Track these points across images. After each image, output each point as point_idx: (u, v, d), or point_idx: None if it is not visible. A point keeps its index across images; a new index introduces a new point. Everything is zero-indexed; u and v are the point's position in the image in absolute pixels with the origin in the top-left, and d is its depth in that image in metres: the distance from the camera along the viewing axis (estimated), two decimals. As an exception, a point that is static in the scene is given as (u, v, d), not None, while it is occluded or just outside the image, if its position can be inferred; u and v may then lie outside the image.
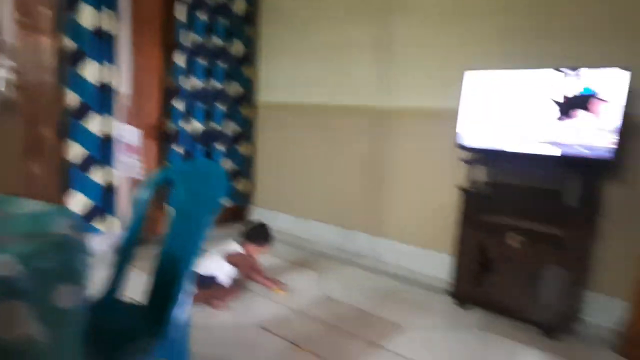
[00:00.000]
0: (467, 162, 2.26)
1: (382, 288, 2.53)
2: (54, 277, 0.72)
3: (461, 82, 2.29)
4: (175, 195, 1.36)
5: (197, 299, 2.14)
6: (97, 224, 2.72)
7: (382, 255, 3.01)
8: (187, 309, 1.19)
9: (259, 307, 2.22)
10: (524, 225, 2.09)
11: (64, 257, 0.75)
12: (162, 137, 3.05)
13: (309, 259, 2.99)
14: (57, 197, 2.56)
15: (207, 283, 2.18)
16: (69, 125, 2.56)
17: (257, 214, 3.80)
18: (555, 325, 2.01)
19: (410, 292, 2.51)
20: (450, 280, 2.40)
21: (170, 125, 3.07)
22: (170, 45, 2.98)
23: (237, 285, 2.34)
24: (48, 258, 0.71)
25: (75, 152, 2.59)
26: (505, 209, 2.19)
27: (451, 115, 2.42)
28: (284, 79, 3.49)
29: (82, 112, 2.58)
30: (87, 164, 2.64)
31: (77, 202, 2.63)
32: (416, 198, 2.84)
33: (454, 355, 1.87)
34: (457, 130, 2.33)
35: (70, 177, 2.60)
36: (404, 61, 2.79)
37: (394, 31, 2.82)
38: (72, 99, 2.54)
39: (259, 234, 2.43)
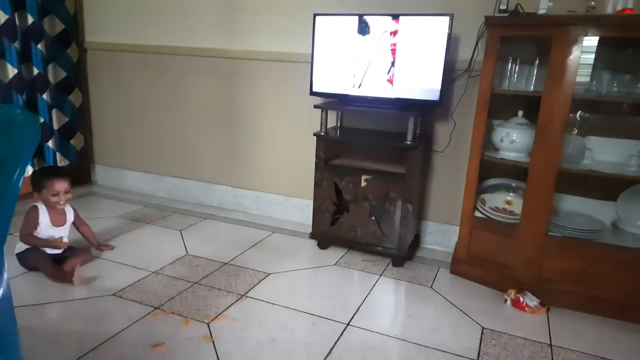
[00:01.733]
0: (319, 107, 2.32)
1: (246, 239, 2.53)
2: None
3: (312, 26, 2.28)
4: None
5: (50, 276, 1.91)
6: None
7: (246, 207, 2.99)
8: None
9: (115, 274, 2.03)
10: (370, 166, 2.27)
11: None
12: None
13: (166, 217, 2.82)
14: None
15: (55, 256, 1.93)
16: None
17: (100, 173, 3.40)
18: (401, 254, 2.28)
19: (276, 240, 2.56)
20: (310, 223, 2.51)
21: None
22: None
23: (81, 253, 2.09)
24: None
25: None
26: (353, 153, 2.36)
27: (306, 61, 2.42)
28: (115, 14, 3.03)
29: None
30: None
31: None
32: (276, 146, 2.83)
33: (315, 292, 1.99)
34: (310, 76, 2.35)
35: None
36: (254, 2, 2.65)
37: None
38: None
39: (34, 182, 2.03)
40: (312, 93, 2.37)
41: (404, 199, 2.20)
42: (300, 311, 1.80)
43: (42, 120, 2.89)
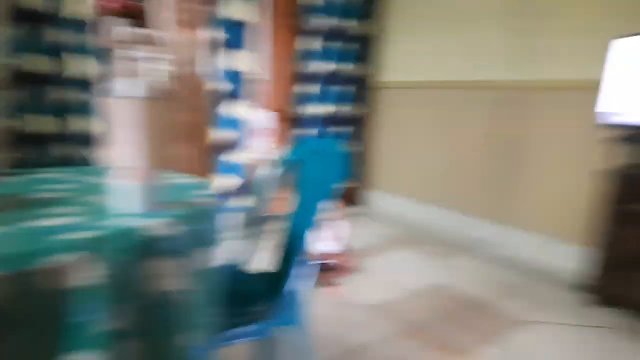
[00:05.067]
0: (611, 141, 1.98)
1: (501, 279, 2.40)
2: (196, 239, 0.88)
3: (604, 52, 2.00)
4: (300, 173, 1.47)
5: (318, 282, 2.28)
6: (235, 200, 3.07)
7: (504, 244, 2.82)
8: (305, 282, 1.30)
9: (369, 287, 2.28)
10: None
11: (203, 223, 0.91)
12: (291, 121, 3.28)
13: (425, 244, 2.96)
14: (203, 174, 2.96)
15: (323, 266, 2.32)
16: (215, 111, 2.90)
17: (374, 196, 3.85)
18: None
19: (533, 284, 2.34)
20: (581, 274, 2.16)
21: (299, 109, 3.27)
22: (301, 30, 3.15)
23: (346, 263, 2.43)
24: (193, 222, 0.86)
25: (220, 135, 2.94)
26: None
27: (591, 90, 2.15)
28: (406, 57, 3.42)
29: (226, 98, 2.90)
30: (228, 146, 2.97)
31: (219, 180, 2.99)
32: (545, 182, 2.59)
33: (577, 354, 1.70)
34: (599, 106, 2.05)
35: (214, 157, 2.96)
36: (537, 31, 2.53)
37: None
38: (218, 86, 2.87)
39: None
40: (602, 125, 2.05)
41: None
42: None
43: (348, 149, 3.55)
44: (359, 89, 3.58)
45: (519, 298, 2.18)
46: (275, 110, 3.20)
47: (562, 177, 2.51)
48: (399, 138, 3.60)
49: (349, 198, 3.74)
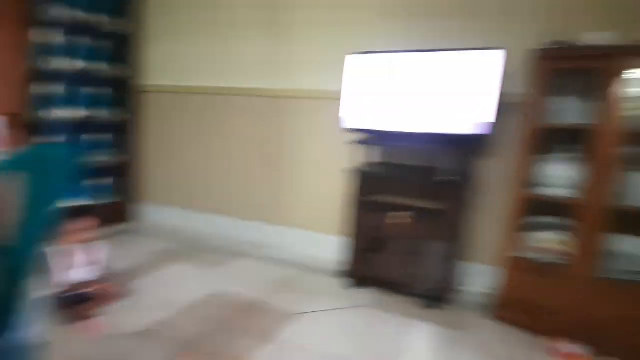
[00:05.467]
0: (353, 144, 2.29)
1: (274, 277, 2.50)
2: None
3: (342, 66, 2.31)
4: (19, 186, 1.15)
5: (68, 317, 1.91)
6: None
7: (277, 244, 2.97)
8: (37, 329, 1.02)
9: (136, 312, 2.04)
10: (408, 203, 2.18)
11: None
12: (29, 126, 2.69)
13: (199, 255, 2.85)
14: None
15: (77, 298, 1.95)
16: None
17: (143, 210, 3.54)
18: (437, 296, 2.13)
19: (304, 278, 2.51)
20: (341, 261, 2.43)
21: (40, 113, 2.71)
22: (35, 20, 2.61)
23: (107, 290, 2.12)
24: None
25: None
26: (391, 189, 2.26)
27: (336, 100, 2.45)
28: (171, 60, 3.25)
29: None
30: None
31: None
32: (308, 182, 2.83)
33: (344, 335, 1.89)
34: (341, 112, 2.35)
35: None
36: (290, 43, 2.75)
37: (280, 15, 2.76)
38: None
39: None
40: (345, 130, 2.34)
41: (443, 238, 2.08)
42: (332, 355, 1.70)
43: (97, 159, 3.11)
44: (118, 92, 3.21)
45: (290, 292, 2.29)
46: (5, 114, 2.57)
47: (320, 177, 2.78)
48: (166, 146, 3.38)
49: (113, 214, 3.30)
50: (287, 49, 2.77)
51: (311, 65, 2.70)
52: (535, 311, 1.92)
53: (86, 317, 1.93)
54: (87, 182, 3.07)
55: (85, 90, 2.97)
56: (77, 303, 2.00)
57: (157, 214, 3.47)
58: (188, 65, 3.17)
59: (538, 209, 2.00)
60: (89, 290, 2.08)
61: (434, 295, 2.14)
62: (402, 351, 1.77)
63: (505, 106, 2.10)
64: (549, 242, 1.96)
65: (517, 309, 1.97)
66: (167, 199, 3.43)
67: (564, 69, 1.81)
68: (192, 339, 1.80)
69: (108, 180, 3.25)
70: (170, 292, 2.24)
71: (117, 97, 3.21)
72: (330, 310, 2.11)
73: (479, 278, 2.34)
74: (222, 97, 3.07)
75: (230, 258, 2.79)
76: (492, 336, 1.91)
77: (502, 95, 2.02)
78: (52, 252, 2.06)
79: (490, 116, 1.95)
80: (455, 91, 2.04)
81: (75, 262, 2.08)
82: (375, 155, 2.50)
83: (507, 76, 2.06)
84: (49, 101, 2.76)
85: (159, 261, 2.68)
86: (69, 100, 2.88)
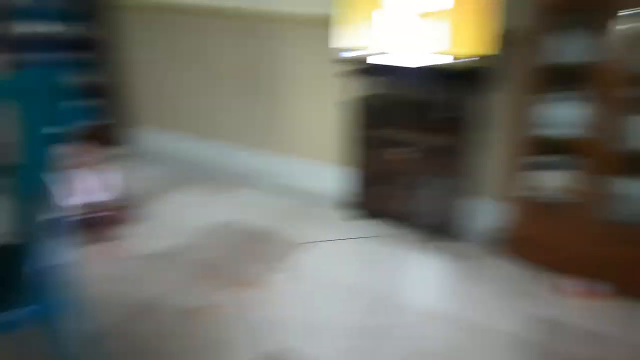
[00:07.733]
0: (346, 74, 2.20)
1: (281, 207, 2.52)
2: None
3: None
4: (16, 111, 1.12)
5: (86, 240, 1.97)
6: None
7: (279, 173, 2.93)
8: (62, 248, 1.05)
9: (153, 236, 2.10)
10: (410, 138, 2.16)
11: None
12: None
13: (205, 182, 2.83)
14: None
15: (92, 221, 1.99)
16: None
17: (141, 134, 3.44)
18: (443, 230, 2.20)
19: (310, 208, 2.54)
20: (346, 193, 2.46)
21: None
22: None
23: (122, 213, 2.17)
24: None
25: None
26: (394, 122, 2.21)
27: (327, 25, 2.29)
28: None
29: None
30: None
31: None
32: (301, 111, 2.76)
33: (354, 264, 1.99)
34: (333, 41, 2.23)
35: None
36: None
37: None
38: None
39: None
40: (339, 59, 2.23)
41: (448, 174, 2.10)
42: (340, 283, 1.80)
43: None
44: (91, 6, 2.96)
45: (298, 221, 2.35)
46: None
47: (314, 105, 2.69)
48: (155, 67, 3.20)
49: (104, 137, 3.09)
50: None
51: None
52: (543, 249, 1.97)
53: (105, 240, 2.00)
54: (75, 104, 2.97)
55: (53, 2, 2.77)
56: (94, 226, 2.05)
57: (154, 138, 3.40)
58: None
59: (543, 148, 2.00)
60: (106, 213, 2.13)
61: (440, 229, 2.21)
62: (411, 281, 1.88)
63: (509, 41, 1.99)
64: (555, 180, 1.99)
65: (524, 245, 2.03)
66: (160, 123, 3.34)
67: (565, 5, 1.73)
68: (209, 263, 1.88)
69: (93, 102, 3.10)
70: (183, 217, 2.30)
71: (91, 11, 2.96)
72: (339, 241, 2.19)
73: (487, 214, 2.39)
74: (209, 17, 2.85)
75: (233, 186, 2.78)
76: (500, 269, 1.98)
77: (506, 31, 1.91)
78: (64, 176, 2.08)
79: (493, 48, 1.87)
80: (456, 17, 1.92)
81: (90, 185, 2.10)
82: (374, 87, 2.36)
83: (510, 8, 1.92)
84: (10, 15, 2.57)
85: (164, 187, 2.70)
86: (35, 14, 2.71)
